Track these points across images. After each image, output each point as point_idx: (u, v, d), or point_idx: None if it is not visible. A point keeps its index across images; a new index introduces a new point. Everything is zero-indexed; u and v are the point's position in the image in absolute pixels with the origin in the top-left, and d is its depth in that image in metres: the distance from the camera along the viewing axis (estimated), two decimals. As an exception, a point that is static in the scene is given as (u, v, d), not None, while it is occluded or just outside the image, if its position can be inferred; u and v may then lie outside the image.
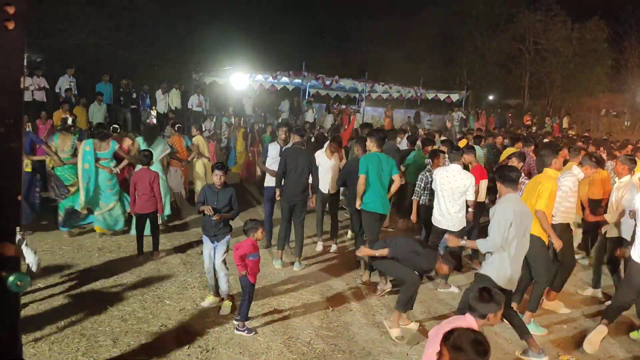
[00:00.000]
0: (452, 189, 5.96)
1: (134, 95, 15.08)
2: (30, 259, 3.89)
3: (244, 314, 4.67)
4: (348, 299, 5.64)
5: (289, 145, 6.79)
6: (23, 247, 3.83)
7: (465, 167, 6.63)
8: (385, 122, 18.67)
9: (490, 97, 29.16)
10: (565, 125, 22.84)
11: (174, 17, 21.43)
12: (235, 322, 4.71)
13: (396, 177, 6.15)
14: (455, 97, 21.70)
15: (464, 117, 20.10)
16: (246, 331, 4.62)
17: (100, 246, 6.85)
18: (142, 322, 4.74)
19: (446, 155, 6.86)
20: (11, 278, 0.78)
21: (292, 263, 6.58)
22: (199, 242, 7.27)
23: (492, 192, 7.16)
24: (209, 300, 5.21)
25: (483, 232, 7.49)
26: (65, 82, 13.88)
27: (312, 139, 10.71)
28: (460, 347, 2.24)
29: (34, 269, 4.05)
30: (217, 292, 5.22)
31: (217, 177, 5.15)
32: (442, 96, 22.00)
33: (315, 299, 5.58)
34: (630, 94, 28.05)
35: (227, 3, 24.53)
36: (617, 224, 5.67)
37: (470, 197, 6.07)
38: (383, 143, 6.25)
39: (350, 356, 4.42)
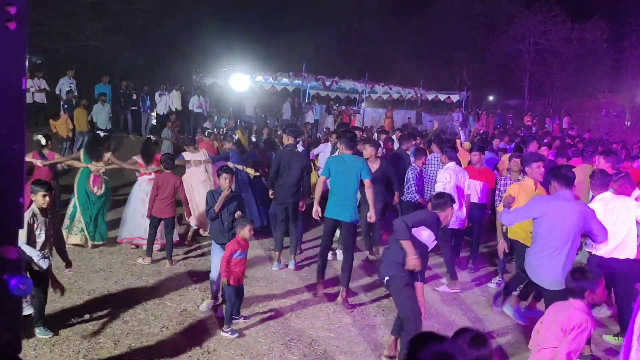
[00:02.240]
0: (455, 187, 6.10)
1: (134, 97, 15.08)
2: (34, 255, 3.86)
3: (229, 318, 4.66)
4: (349, 300, 5.62)
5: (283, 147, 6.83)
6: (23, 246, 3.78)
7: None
8: (385, 123, 18.65)
9: (491, 98, 29.19)
10: (565, 125, 22.85)
11: (173, 18, 21.43)
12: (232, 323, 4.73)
13: (367, 182, 5.55)
14: (455, 97, 21.68)
15: (461, 116, 20.10)
16: (230, 332, 4.61)
17: (101, 248, 6.84)
18: (143, 323, 4.73)
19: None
20: (13, 282, 0.78)
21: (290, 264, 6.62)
22: (199, 244, 7.28)
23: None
24: (208, 304, 5.18)
25: (485, 232, 7.54)
26: (65, 84, 13.87)
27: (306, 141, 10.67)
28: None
29: (44, 265, 3.96)
30: (215, 297, 5.22)
31: (225, 182, 5.12)
32: (442, 97, 21.98)
33: (316, 300, 5.57)
34: (630, 94, 28.06)
35: (227, 4, 24.53)
36: None
37: (467, 191, 6.27)
38: (354, 144, 5.90)
39: (352, 357, 4.40)
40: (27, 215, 4.19)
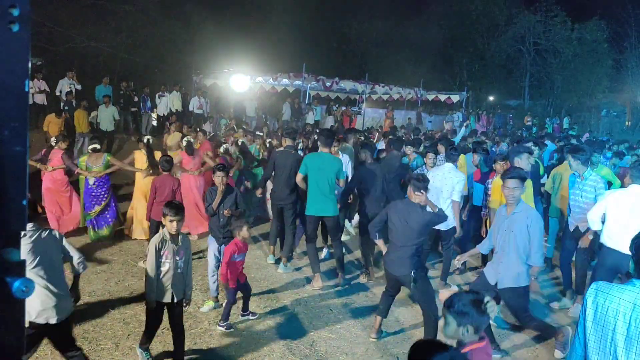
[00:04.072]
0: (440, 188, 5.89)
1: (135, 98, 15.08)
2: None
3: (226, 314, 4.73)
4: (350, 301, 5.62)
5: (281, 148, 6.94)
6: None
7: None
8: (385, 124, 18.65)
9: (491, 98, 29.16)
10: (566, 125, 22.86)
11: (173, 19, 21.45)
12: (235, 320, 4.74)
13: (341, 182, 5.98)
14: (455, 98, 21.69)
15: (462, 117, 20.09)
16: (226, 327, 4.69)
17: (102, 249, 6.84)
18: (143, 325, 4.72)
19: (433, 155, 7.03)
20: (16, 284, 0.77)
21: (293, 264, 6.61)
22: (200, 245, 7.27)
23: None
24: (209, 306, 5.20)
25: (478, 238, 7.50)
26: (65, 85, 13.86)
27: (309, 144, 10.57)
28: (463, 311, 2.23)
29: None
30: (216, 299, 5.25)
31: (218, 179, 5.14)
32: (442, 97, 21.99)
33: (317, 301, 5.57)
34: (630, 94, 28.08)
35: (227, 5, 24.54)
36: None
37: (456, 197, 5.94)
38: (331, 143, 6.13)
39: (353, 358, 4.40)
40: (156, 238, 3.86)
